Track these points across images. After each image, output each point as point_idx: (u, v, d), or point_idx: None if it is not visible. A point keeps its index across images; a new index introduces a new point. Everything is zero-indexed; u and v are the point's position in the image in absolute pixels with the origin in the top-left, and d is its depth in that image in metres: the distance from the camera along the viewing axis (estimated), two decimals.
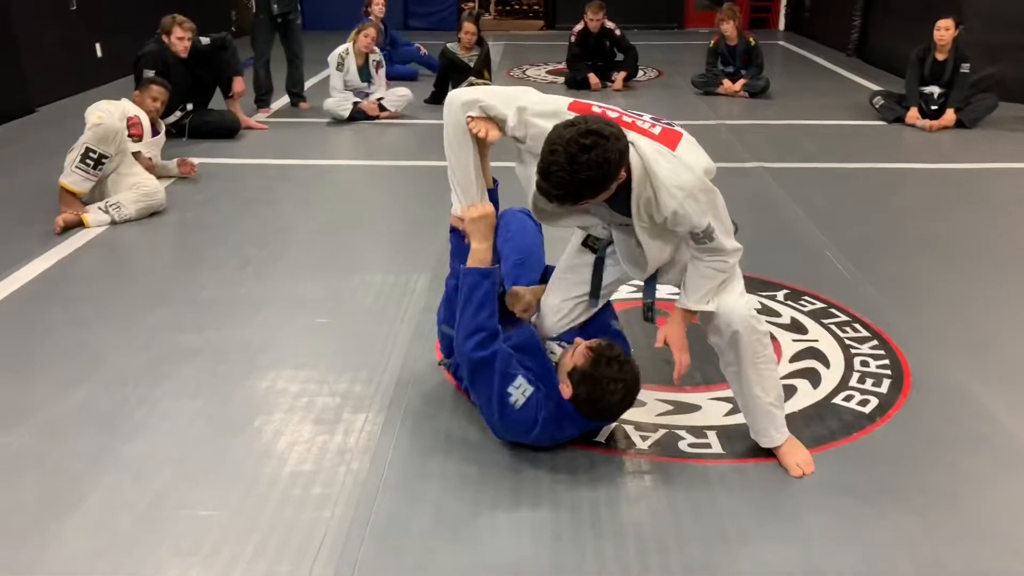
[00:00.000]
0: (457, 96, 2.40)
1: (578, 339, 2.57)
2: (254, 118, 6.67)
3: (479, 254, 2.50)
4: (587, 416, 2.43)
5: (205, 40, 6.05)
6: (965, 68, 6.56)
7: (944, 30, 6.52)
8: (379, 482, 2.40)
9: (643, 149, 2.15)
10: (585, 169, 2.03)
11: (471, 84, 6.86)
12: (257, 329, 3.31)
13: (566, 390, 2.42)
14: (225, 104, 6.38)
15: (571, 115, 2.17)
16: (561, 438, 2.49)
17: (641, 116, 2.27)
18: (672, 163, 2.15)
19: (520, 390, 2.40)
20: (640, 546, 2.16)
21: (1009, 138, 6.40)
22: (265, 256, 4.06)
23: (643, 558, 2.12)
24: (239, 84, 6.27)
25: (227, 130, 6.22)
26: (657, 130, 2.21)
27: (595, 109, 2.24)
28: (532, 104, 2.28)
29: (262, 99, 7.04)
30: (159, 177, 4.95)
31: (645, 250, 2.33)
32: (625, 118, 2.22)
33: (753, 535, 2.21)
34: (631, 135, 2.15)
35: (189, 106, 6.10)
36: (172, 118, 5.95)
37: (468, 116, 2.35)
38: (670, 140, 2.19)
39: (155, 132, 5.06)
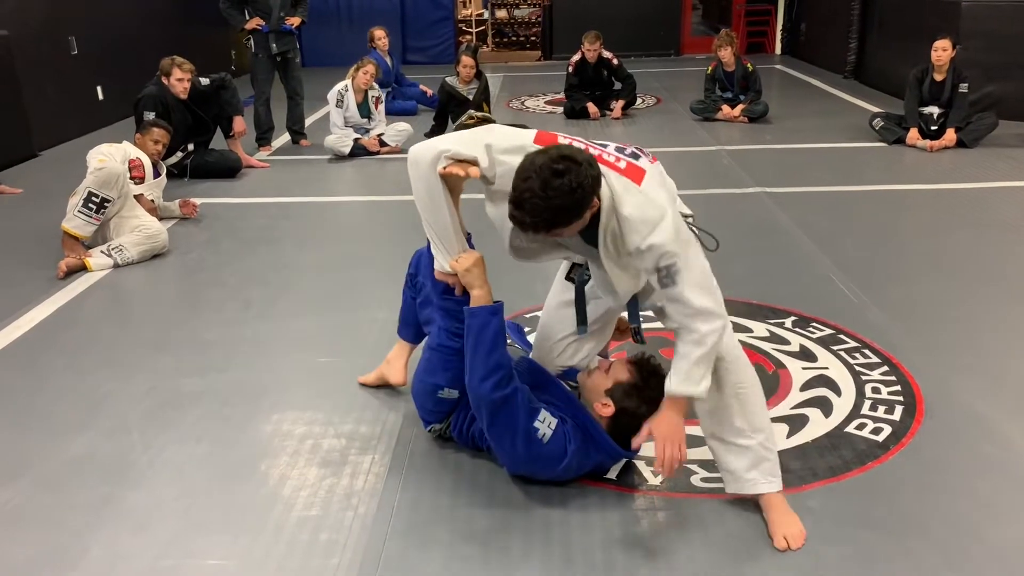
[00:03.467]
0: (420, 154, 2.27)
1: (601, 359, 2.58)
2: (255, 156, 6.68)
3: (481, 299, 2.41)
4: (628, 432, 2.36)
5: (205, 81, 6.07)
6: (964, 88, 6.57)
7: (942, 51, 6.54)
8: (387, 527, 2.35)
9: (611, 181, 2.12)
10: (559, 195, 2.00)
11: (471, 118, 6.88)
12: (260, 371, 3.28)
13: (606, 409, 2.41)
14: (226, 144, 6.40)
15: (536, 147, 2.14)
16: (586, 468, 2.45)
17: (606, 147, 2.22)
18: (637, 198, 2.12)
19: (546, 423, 2.36)
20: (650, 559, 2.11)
21: (1010, 156, 6.39)
22: (267, 296, 4.04)
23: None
24: (240, 123, 6.29)
25: (228, 169, 6.22)
26: (623, 164, 2.17)
27: (561, 139, 2.20)
28: (497, 141, 2.21)
29: (263, 137, 7.06)
30: (161, 219, 4.95)
31: (614, 280, 2.25)
32: (592, 149, 2.18)
33: (768, 571, 2.15)
34: (599, 167, 2.11)
35: (190, 146, 6.11)
36: (173, 159, 5.97)
37: (440, 168, 2.23)
38: (635, 175, 2.15)
39: (156, 174, 5.07)
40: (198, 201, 5.33)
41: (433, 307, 2.61)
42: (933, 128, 6.67)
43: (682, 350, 2.17)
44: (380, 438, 2.78)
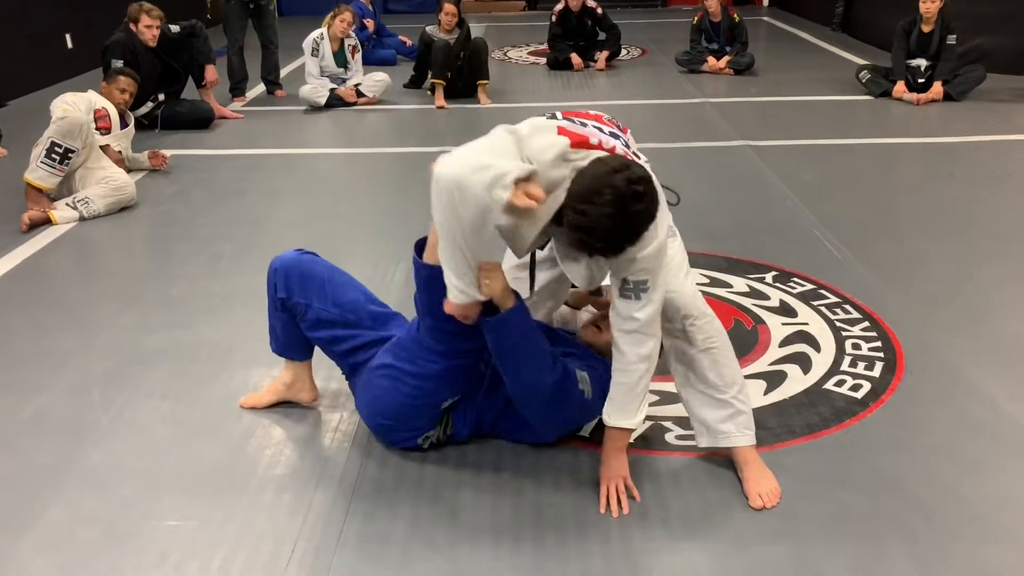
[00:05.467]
0: (464, 178, 1.85)
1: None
2: (229, 107, 6.51)
3: (507, 302, 2.11)
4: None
5: (175, 28, 5.89)
6: (951, 40, 6.46)
7: (930, 2, 6.41)
8: (354, 485, 2.29)
9: None
10: (638, 221, 1.91)
11: (444, 76, 6.65)
12: (228, 327, 3.19)
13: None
14: (198, 94, 6.22)
15: (571, 150, 1.95)
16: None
17: (618, 139, 2.15)
18: None
19: (586, 383, 2.26)
20: (626, 546, 2.06)
21: (997, 110, 6.30)
22: (237, 251, 3.93)
23: (630, 558, 2.02)
24: (211, 72, 6.11)
25: (200, 120, 6.06)
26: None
27: (587, 129, 2.04)
28: (537, 152, 1.93)
29: (237, 88, 6.87)
30: (129, 170, 4.82)
31: (574, 273, 2.16)
32: (615, 144, 2.07)
33: (744, 532, 2.11)
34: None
35: (160, 96, 5.94)
36: (143, 109, 5.81)
37: (508, 197, 1.85)
38: None
39: (124, 124, 4.92)
40: (168, 152, 5.17)
41: (406, 341, 2.30)
42: (920, 81, 6.56)
43: (617, 379, 2.15)
44: (350, 395, 2.70)
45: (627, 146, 2.18)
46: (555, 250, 2.17)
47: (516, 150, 1.93)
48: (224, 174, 5.13)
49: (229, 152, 5.58)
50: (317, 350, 2.55)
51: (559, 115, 2.15)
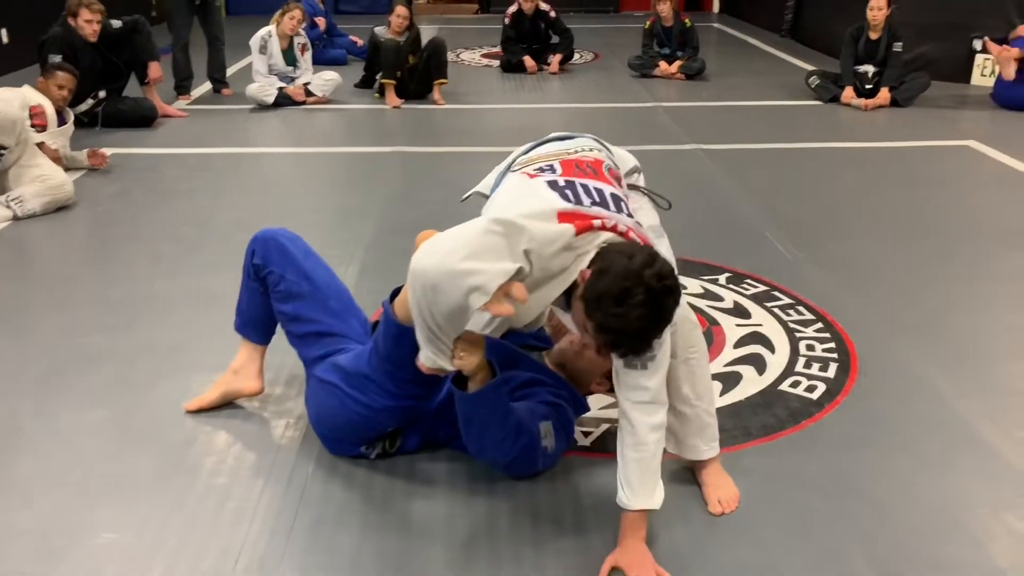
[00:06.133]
0: (442, 282, 1.74)
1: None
2: (174, 106, 6.33)
3: (483, 378, 2.01)
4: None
5: (117, 23, 5.71)
6: (898, 47, 6.58)
7: (877, 9, 6.52)
8: (302, 494, 2.20)
9: None
10: (668, 316, 1.79)
11: (394, 76, 6.55)
12: (169, 329, 3.07)
13: (600, 387, 2.36)
14: (141, 91, 6.04)
15: (567, 226, 1.81)
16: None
17: (625, 216, 1.97)
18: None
19: (549, 437, 2.17)
20: (583, 556, 2.00)
21: (942, 116, 6.43)
22: (180, 251, 3.80)
23: (585, 559, 1.96)
24: (155, 69, 5.94)
25: (143, 118, 5.87)
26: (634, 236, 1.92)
27: (585, 209, 1.88)
28: (537, 244, 1.78)
29: (182, 86, 6.69)
30: (67, 169, 4.64)
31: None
32: (629, 229, 1.91)
33: (702, 536, 2.07)
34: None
35: (101, 93, 5.75)
36: (83, 106, 5.61)
37: (479, 307, 1.75)
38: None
39: (62, 121, 4.75)
40: (109, 151, 5.00)
41: (356, 372, 2.20)
42: (868, 87, 6.66)
43: (630, 455, 1.94)
44: (296, 399, 2.61)
45: (628, 212, 1.99)
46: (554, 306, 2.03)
47: (507, 247, 1.75)
48: (168, 173, 4.98)
49: (173, 151, 5.42)
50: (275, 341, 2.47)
51: (557, 165, 2.03)
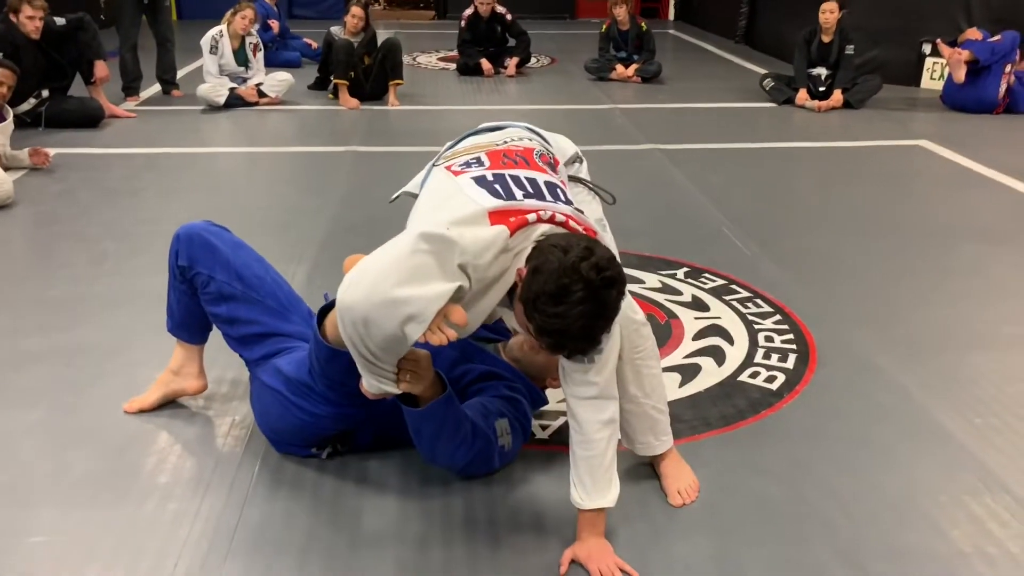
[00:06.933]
0: (375, 315, 1.63)
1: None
2: (122, 107, 6.16)
3: (431, 395, 1.93)
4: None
5: (60, 20, 5.55)
6: (850, 50, 6.66)
7: (829, 12, 6.60)
8: (247, 493, 2.11)
9: None
10: (613, 307, 1.66)
11: (347, 76, 6.46)
12: (111, 330, 2.95)
13: (555, 383, 2.20)
14: (87, 91, 5.88)
15: (498, 228, 1.70)
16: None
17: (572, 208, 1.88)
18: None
19: (505, 435, 2.09)
20: (542, 554, 1.94)
21: (893, 117, 6.52)
22: (125, 251, 3.67)
23: (544, 558, 1.90)
24: (101, 68, 5.78)
25: (89, 118, 5.71)
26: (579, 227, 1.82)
27: (517, 204, 1.77)
28: (470, 256, 1.66)
29: (130, 87, 6.52)
30: (7, 168, 4.47)
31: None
32: (567, 218, 1.80)
33: (662, 527, 2.02)
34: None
35: (44, 93, 5.58)
36: (25, 106, 5.45)
37: (418, 337, 1.65)
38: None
39: (1, 119, 4.58)
40: (52, 151, 4.84)
41: (297, 378, 2.11)
42: (821, 89, 6.73)
43: (580, 453, 1.86)
44: (243, 398, 2.51)
45: (567, 199, 1.90)
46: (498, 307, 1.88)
47: (439, 266, 1.63)
48: (115, 173, 4.83)
49: (120, 151, 5.27)
50: (213, 338, 2.36)
51: (484, 157, 1.93)
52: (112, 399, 2.50)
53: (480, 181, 1.84)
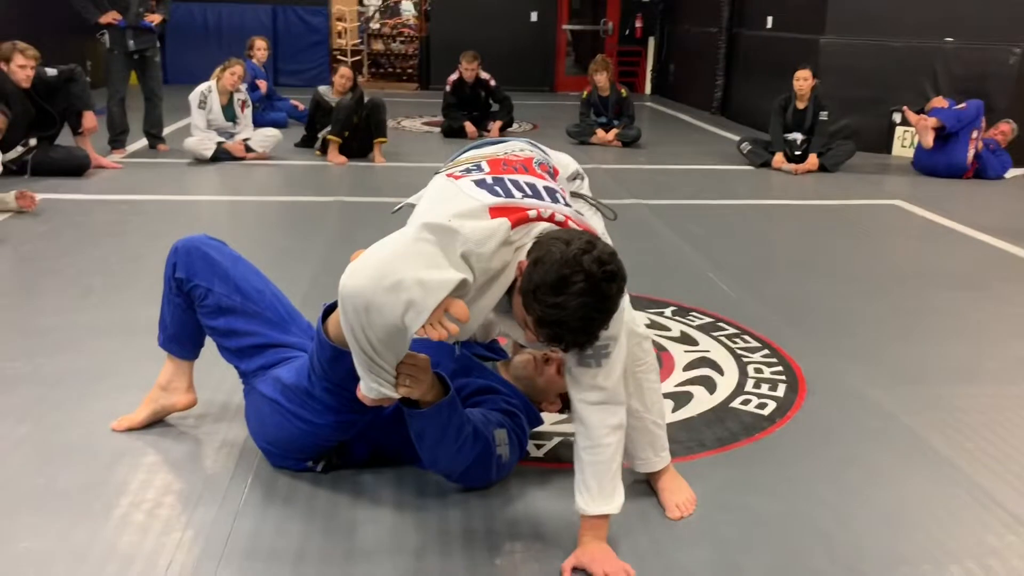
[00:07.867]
0: (378, 302, 1.63)
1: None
2: (108, 159, 6.19)
3: (432, 398, 1.94)
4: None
5: (52, 71, 5.60)
6: (824, 115, 6.87)
7: (803, 80, 6.84)
8: (240, 503, 2.07)
9: None
10: (613, 302, 1.67)
11: (341, 135, 6.56)
12: (97, 356, 2.91)
13: (553, 406, 2.30)
14: (74, 141, 5.91)
15: (501, 221, 1.71)
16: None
17: (564, 203, 1.91)
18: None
19: (503, 445, 2.09)
20: (541, 553, 1.91)
21: (868, 180, 6.71)
22: (111, 286, 3.65)
23: (544, 564, 1.87)
24: (90, 119, 5.82)
25: (75, 167, 5.71)
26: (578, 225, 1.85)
27: (517, 202, 1.79)
28: (473, 246, 1.67)
29: (117, 140, 6.56)
30: None
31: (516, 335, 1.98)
32: (565, 216, 1.83)
33: (662, 540, 2.01)
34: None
35: (32, 141, 5.60)
36: (13, 153, 5.45)
37: (417, 331, 1.65)
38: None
39: None
40: (38, 196, 4.84)
41: (297, 386, 2.09)
42: (797, 153, 6.92)
43: (587, 458, 1.86)
44: (234, 418, 2.48)
45: (566, 202, 1.93)
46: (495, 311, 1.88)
47: (442, 254, 1.64)
48: (100, 218, 4.83)
49: (106, 197, 5.27)
50: (202, 359, 2.34)
51: (484, 164, 1.97)
52: (99, 418, 2.46)
53: (480, 183, 1.87)
